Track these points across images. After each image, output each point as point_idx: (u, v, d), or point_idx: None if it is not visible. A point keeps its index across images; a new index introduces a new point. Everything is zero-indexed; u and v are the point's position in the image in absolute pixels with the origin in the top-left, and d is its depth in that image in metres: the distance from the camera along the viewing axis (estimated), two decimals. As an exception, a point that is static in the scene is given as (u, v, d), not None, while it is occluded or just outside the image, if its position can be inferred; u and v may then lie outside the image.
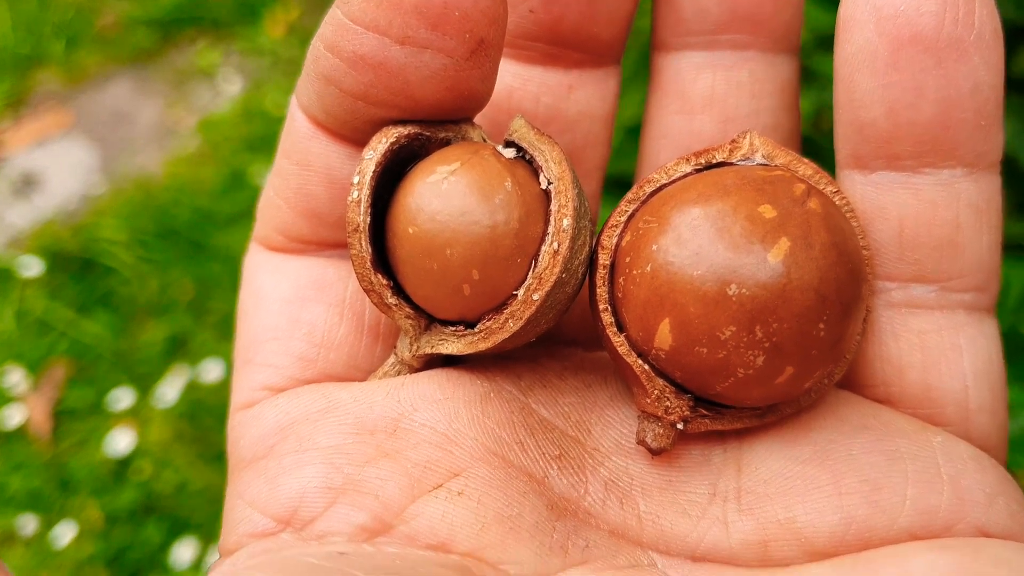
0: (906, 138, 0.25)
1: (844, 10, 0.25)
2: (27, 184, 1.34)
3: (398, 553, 0.23)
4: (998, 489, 0.25)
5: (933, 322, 0.26)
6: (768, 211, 0.23)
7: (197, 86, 1.42)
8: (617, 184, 0.39)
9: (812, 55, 0.59)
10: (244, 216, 1.23)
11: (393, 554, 0.22)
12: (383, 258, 0.27)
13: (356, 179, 0.25)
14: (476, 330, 0.26)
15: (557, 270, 0.25)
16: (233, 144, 1.31)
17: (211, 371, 1.11)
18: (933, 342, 0.26)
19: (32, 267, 1.23)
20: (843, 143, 0.26)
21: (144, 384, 1.12)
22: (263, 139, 1.28)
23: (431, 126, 0.26)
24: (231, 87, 1.41)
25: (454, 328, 0.26)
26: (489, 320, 0.26)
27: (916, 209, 0.25)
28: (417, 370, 0.27)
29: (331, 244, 0.28)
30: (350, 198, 0.25)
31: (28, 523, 1.03)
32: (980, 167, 0.25)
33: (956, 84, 0.24)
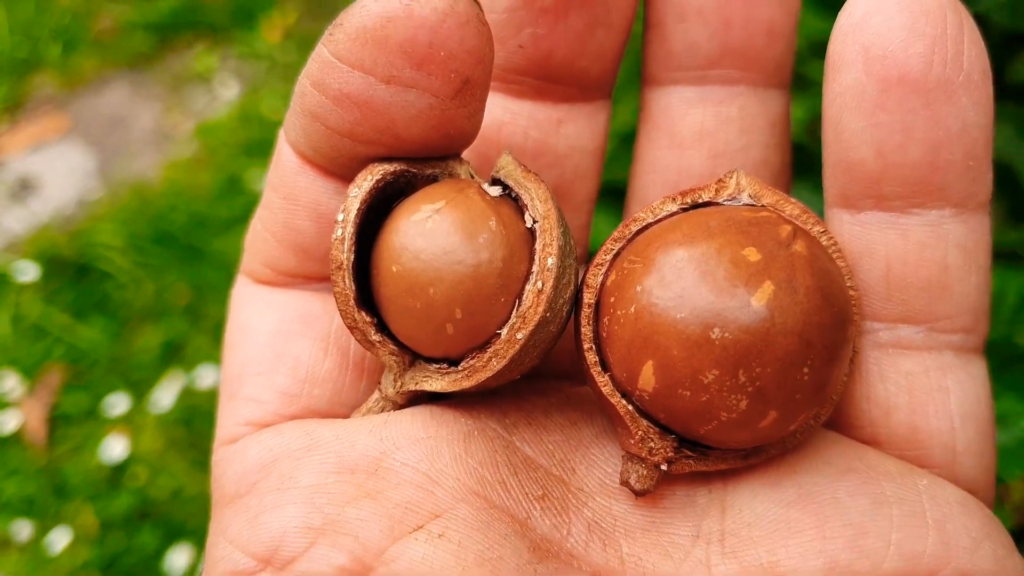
0: (894, 178, 0.25)
1: (833, 49, 0.25)
2: (23, 188, 1.34)
3: None
4: (984, 533, 0.24)
5: (920, 363, 0.26)
6: (753, 254, 0.23)
7: (194, 90, 1.42)
8: (610, 192, 0.39)
9: (806, 62, 0.59)
10: (240, 221, 1.22)
11: None
12: (368, 295, 0.26)
13: (340, 216, 0.25)
14: (459, 368, 0.26)
15: (541, 309, 0.24)
16: (230, 149, 1.30)
17: (206, 377, 1.11)
18: (920, 383, 0.26)
19: (28, 272, 1.23)
20: (831, 182, 0.26)
21: (140, 390, 1.12)
22: (260, 144, 1.28)
23: (417, 163, 0.26)
24: (228, 92, 1.41)
25: (438, 365, 0.26)
26: (473, 359, 0.25)
27: (904, 250, 0.25)
28: (402, 406, 0.27)
29: (318, 278, 0.28)
30: (334, 236, 0.25)
31: (23, 529, 1.03)
32: (969, 207, 0.25)
33: (945, 125, 0.24)
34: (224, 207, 1.25)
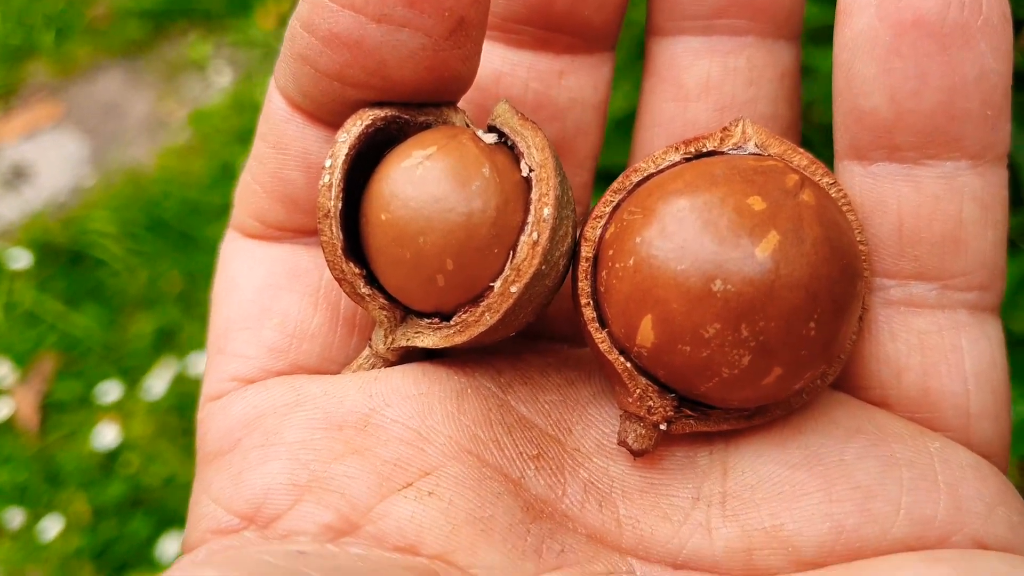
0: (908, 128, 0.24)
1: None
2: (17, 176, 1.32)
3: (362, 554, 0.21)
4: (998, 499, 0.23)
5: (933, 322, 0.25)
6: (757, 203, 0.22)
7: (188, 78, 1.41)
8: (607, 178, 0.38)
9: (803, 48, 0.58)
10: (234, 209, 1.21)
11: (356, 555, 0.21)
12: (357, 246, 0.25)
13: (328, 163, 0.24)
14: (452, 323, 0.25)
15: (536, 262, 0.23)
16: (224, 136, 1.29)
17: (199, 364, 1.10)
18: (933, 343, 0.25)
19: (21, 259, 1.22)
20: (841, 132, 0.25)
21: (132, 377, 1.11)
22: (253, 131, 1.27)
23: (411, 109, 0.25)
24: (222, 79, 1.39)
25: (429, 320, 0.25)
26: (465, 313, 0.24)
27: (917, 203, 0.24)
28: (393, 363, 0.26)
29: (308, 231, 0.27)
30: (321, 182, 0.24)
31: (15, 516, 1.02)
32: (986, 159, 0.24)
33: (961, 71, 0.23)
34: (217, 194, 1.24)
